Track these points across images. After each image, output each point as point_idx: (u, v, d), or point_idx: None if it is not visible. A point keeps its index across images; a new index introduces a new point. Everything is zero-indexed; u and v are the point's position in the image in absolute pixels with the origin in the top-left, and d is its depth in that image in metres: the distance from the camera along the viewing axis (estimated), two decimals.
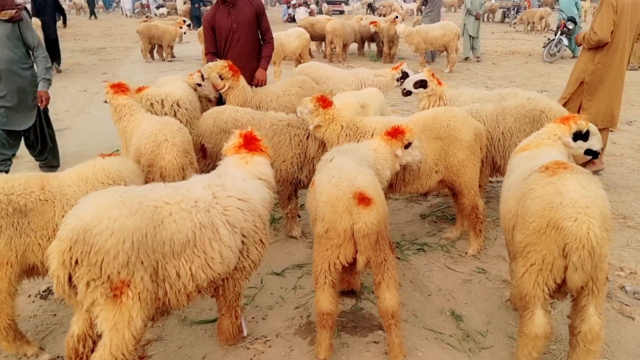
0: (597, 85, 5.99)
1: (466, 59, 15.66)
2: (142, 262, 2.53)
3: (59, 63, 14.39)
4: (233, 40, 5.86)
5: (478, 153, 4.28)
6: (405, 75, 6.30)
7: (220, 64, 5.27)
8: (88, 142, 7.82)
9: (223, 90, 5.29)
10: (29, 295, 3.91)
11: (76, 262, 2.44)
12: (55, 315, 3.70)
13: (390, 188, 4.33)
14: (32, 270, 3.10)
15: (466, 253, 4.50)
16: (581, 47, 6.21)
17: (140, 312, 2.56)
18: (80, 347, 2.71)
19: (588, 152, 3.71)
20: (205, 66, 5.40)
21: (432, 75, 5.40)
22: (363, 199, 2.83)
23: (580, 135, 3.56)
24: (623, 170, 6.49)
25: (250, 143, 3.28)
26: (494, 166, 4.87)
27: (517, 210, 2.93)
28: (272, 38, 6.21)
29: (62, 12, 15.01)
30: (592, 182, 2.77)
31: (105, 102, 4.74)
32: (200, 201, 2.82)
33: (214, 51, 5.94)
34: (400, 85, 6.34)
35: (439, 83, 5.36)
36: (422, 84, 5.32)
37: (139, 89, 5.08)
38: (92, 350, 2.65)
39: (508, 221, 3.06)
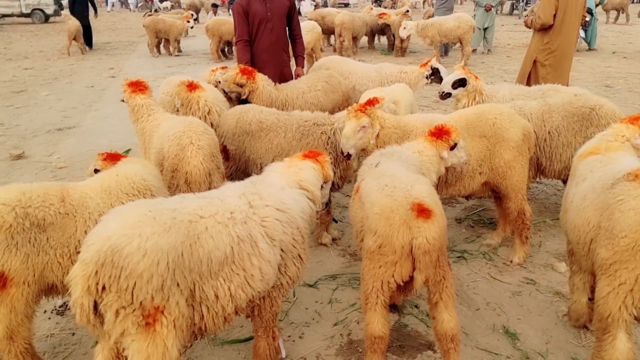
0: (548, 63, 6.75)
1: (474, 50, 15.25)
2: (177, 285, 2.24)
3: (90, 45, 17.50)
4: (266, 30, 5.55)
5: (526, 154, 3.96)
6: (435, 72, 5.95)
7: (232, 75, 4.96)
8: (98, 141, 7.51)
9: (245, 96, 4.99)
10: (45, 311, 3.61)
11: (103, 288, 2.13)
12: (73, 334, 3.40)
13: None
14: (51, 290, 2.80)
15: (511, 261, 4.18)
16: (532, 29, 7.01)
17: (176, 341, 2.27)
18: None
19: None
20: (221, 82, 5.08)
21: (469, 71, 5.06)
22: (422, 211, 2.52)
23: None
24: None
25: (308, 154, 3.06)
26: (538, 168, 4.54)
27: (599, 222, 2.62)
28: (301, 35, 6.07)
29: (92, 4, 17.50)
30: None
31: (123, 101, 4.44)
32: (236, 212, 2.52)
33: (246, 38, 5.56)
34: (430, 82, 6.02)
35: (476, 77, 5.03)
36: (461, 82, 4.96)
37: (191, 86, 4.62)
38: None
39: (584, 233, 2.75)
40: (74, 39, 16.00)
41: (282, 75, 5.73)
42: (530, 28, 7.07)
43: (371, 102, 4.16)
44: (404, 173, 2.86)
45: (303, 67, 6.08)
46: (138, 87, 4.33)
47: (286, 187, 2.84)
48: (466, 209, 5.26)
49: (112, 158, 3.28)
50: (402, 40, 14.80)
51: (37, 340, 3.29)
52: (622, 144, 3.17)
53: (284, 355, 3.14)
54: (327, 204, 3.36)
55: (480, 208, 5.22)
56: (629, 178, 2.61)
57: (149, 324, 2.21)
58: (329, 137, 4.16)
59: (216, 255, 2.35)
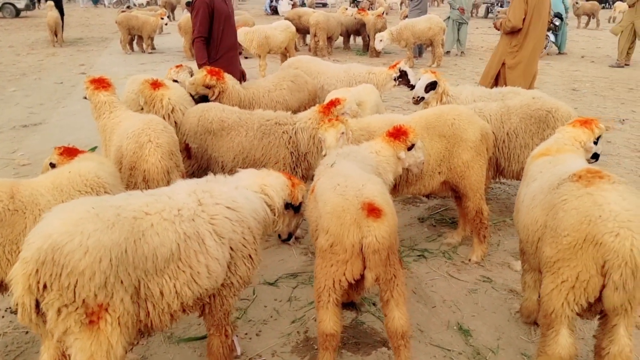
0: (515, 65, 6.93)
1: (447, 52, 15.45)
2: (121, 282, 2.23)
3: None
4: (229, 26, 5.58)
5: (484, 154, 4.04)
6: (403, 74, 6.02)
7: (200, 77, 4.91)
8: (64, 138, 7.34)
9: (214, 98, 4.95)
10: None
11: (44, 286, 2.11)
12: (27, 332, 3.34)
13: (394, 189, 4.07)
14: (1, 287, 2.77)
15: (469, 260, 4.26)
16: (500, 32, 7.17)
17: (121, 338, 2.26)
18: None
19: (594, 155, 3.53)
20: (188, 85, 5.02)
21: (435, 73, 5.15)
22: (373, 210, 2.55)
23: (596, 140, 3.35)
24: (621, 171, 6.32)
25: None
26: (497, 168, 4.63)
27: (545, 221, 2.69)
28: None
29: None
30: (632, 193, 2.54)
31: (85, 98, 4.40)
32: (184, 209, 2.52)
33: (206, 35, 5.48)
34: (398, 85, 6.08)
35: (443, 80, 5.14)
36: (432, 86, 5.04)
37: (155, 85, 4.57)
38: None
39: (532, 232, 2.82)
40: (55, 31, 16.64)
41: (242, 72, 5.83)
42: (499, 30, 7.21)
43: (333, 103, 4.20)
44: (357, 173, 2.89)
45: None
46: (101, 84, 4.31)
47: (242, 187, 2.85)
48: (429, 208, 5.34)
49: (69, 153, 3.25)
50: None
51: None
52: (573, 146, 3.27)
53: (239, 353, 3.14)
54: (291, 235, 3.32)
55: (444, 208, 5.30)
56: (573, 179, 2.68)
57: (93, 321, 2.20)
58: (291, 137, 4.17)
59: (161, 252, 2.35)
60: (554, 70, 13.50)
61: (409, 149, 3.56)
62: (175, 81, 5.34)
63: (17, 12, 27.80)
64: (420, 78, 5.13)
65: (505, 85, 6.44)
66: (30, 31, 21.59)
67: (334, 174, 2.93)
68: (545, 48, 15.51)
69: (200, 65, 5.47)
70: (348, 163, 3.07)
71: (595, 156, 3.53)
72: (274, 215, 2.94)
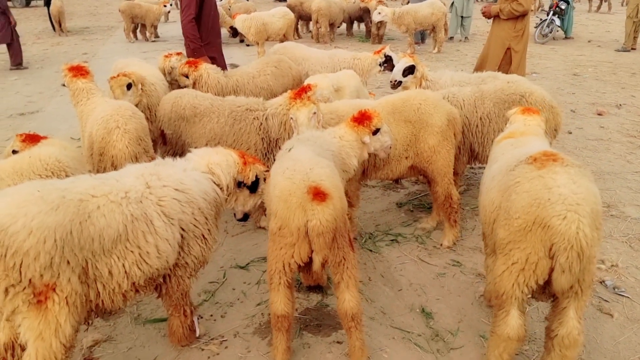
0: (522, 49, 6.81)
1: (451, 38, 15.27)
2: (68, 262, 2.30)
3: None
4: (216, 16, 5.68)
5: (452, 139, 4.04)
6: (388, 59, 6.01)
7: (179, 65, 5.01)
8: (58, 126, 7.52)
9: (191, 86, 5.03)
10: None
11: None
12: None
13: (362, 174, 4.10)
14: None
15: (441, 245, 4.28)
16: (491, 18, 6.99)
17: (69, 317, 2.34)
18: (9, 357, 2.49)
19: None
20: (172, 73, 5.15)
21: (413, 57, 5.15)
22: (318, 194, 2.58)
23: None
24: (610, 156, 6.27)
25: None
26: (471, 153, 4.63)
27: (500, 203, 2.70)
28: None
29: None
30: (584, 176, 2.54)
31: (64, 85, 4.50)
32: (131, 192, 2.59)
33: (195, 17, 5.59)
34: (384, 70, 6.09)
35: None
36: (410, 70, 5.04)
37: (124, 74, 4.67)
38: None
39: (489, 214, 2.84)
40: (59, 21, 16.97)
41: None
42: (489, 18, 7.04)
43: (304, 89, 4.22)
44: (307, 156, 2.91)
45: None
46: (79, 71, 4.40)
47: (190, 169, 2.91)
48: (409, 194, 5.35)
49: (31, 139, 3.33)
50: (378, 27, 14.80)
51: None
52: (538, 129, 3.28)
53: (198, 334, 3.21)
54: (247, 216, 3.34)
55: (423, 193, 5.31)
56: (528, 161, 2.69)
57: (41, 301, 2.28)
58: (261, 123, 4.20)
59: (108, 233, 2.42)
60: (558, 55, 13.31)
61: (374, 133, 3.57)
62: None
63: (28, 2, 28.05)
64: (399, 62, 5.13)
65: (510, 71, 6.55)
66: (38, 21, 21.77)
67: (286, 158, 2.96)
68: (550, 32, 15.31)
69: (197, 48, 5.56)
70: (303, 148, 3.10)
71: None
72: (224, 193, 2.98)
